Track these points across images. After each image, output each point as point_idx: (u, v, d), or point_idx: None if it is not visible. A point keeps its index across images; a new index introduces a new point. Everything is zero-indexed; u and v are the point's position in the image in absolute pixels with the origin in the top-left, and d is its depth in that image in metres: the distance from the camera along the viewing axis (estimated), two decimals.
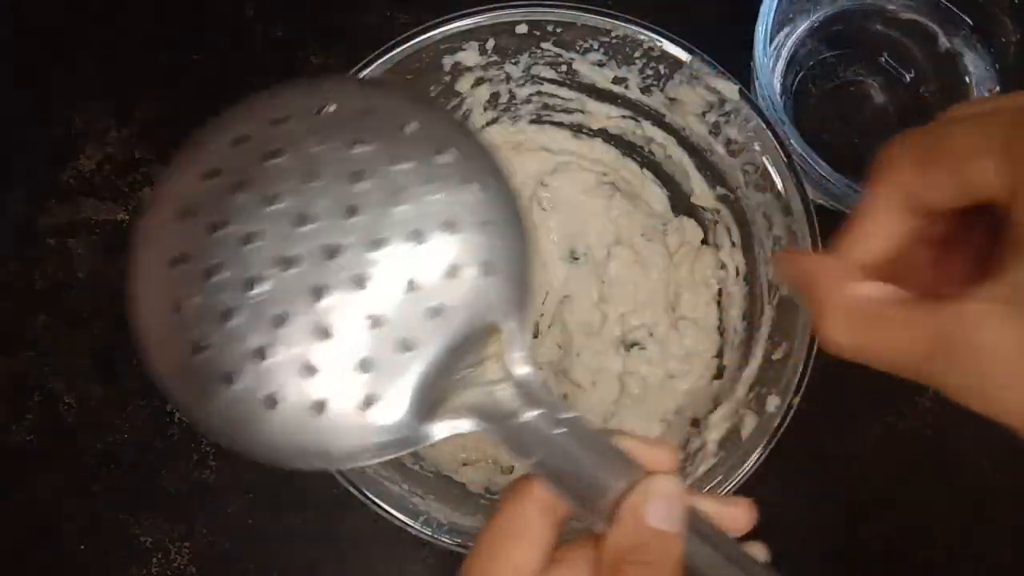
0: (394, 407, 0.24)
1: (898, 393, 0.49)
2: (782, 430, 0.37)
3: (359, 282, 0.23)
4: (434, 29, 0.40)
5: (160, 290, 0.24)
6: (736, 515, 0.25)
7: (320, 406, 0.23)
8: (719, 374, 0.45)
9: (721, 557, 0.24)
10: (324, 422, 0.23)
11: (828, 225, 0.51)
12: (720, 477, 0.37)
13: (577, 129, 0.48)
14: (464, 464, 0.44)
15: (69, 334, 0.49)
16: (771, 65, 0.49)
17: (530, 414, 0.24)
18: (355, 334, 0.23)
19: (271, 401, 0.23)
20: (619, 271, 0.46)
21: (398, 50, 0.39)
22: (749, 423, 0.38)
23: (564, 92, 0.45)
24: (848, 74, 0.52)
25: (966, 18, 0.51)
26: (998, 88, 0.51)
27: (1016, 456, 0.48)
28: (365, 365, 0.23)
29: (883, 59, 0.52)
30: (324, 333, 0.23)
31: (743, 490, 0.37)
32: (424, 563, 0.46)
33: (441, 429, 0.24)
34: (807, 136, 0.51)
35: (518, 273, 0.25)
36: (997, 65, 0.51)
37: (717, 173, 0.44)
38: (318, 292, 0.23)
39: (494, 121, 0.47)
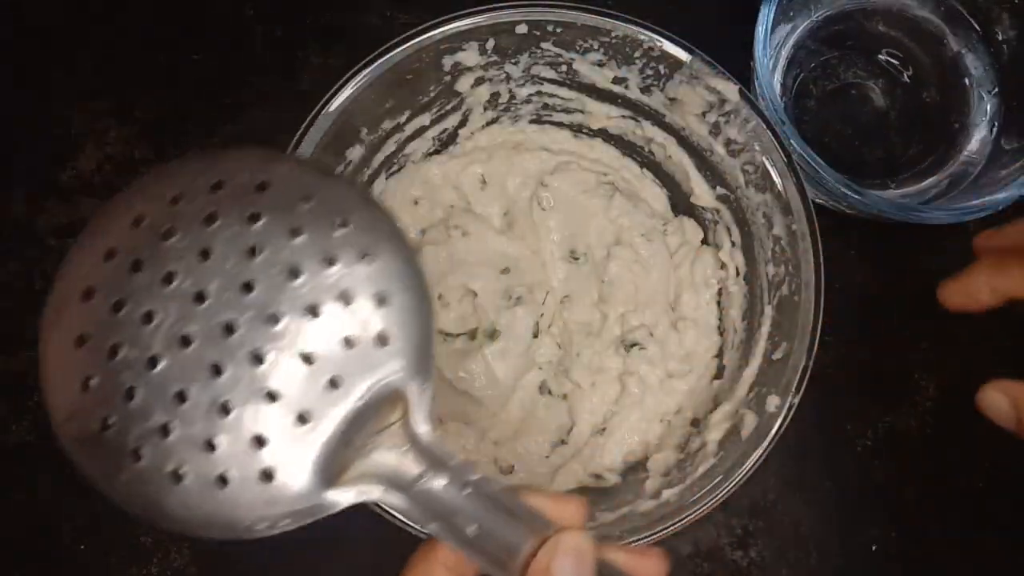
0: (295, 478, 0.24)
1: (898, 393, 0.49)
2: (782, 430, 0.37)
3: (256, 358, 0.24)
4: (434, 29, 0.40)
5: (67, 370, 0.24)
6: (648, 566, 0.25)
7: (223, 480, 0.24)
8: (719, 374, 0.45)
9: None
10: (227, 495, 0.24)
11: (828, 225, 0.52)
12: (720, 477, 0.37)
13: (577, 129, 0.48)
14: None
15: None
16: (771, 65, 0.49)
17: (435, 478, 0.24)
18: (253, 409, 0.24)
19: (176, 476, 0.24)
20: (619, 271, 0.46)
21: (398, 50, 0.39)
22: (749, 423, 0.38)
23: (564, 92, 0.45)
24: (848, 74, 0.52)
25: (968, 18, 0.51)
26: (997, 89, 0.51)
27: (1016, 456, 0.48)
28: (262, 440, 0.24)
29: (883, 59, 0.52)
30: (223, 410, 0.24)
31: (743, 490, 0.37)
32: None
33: (347, 497, 0.24)
34: (807, 136, 0.51)
35: (416, 339, 0.25)
36: (997, 66, 0.51)
37: (717, 173, 0.44)
38: (216, 369, 0.24)
39: (494, 121, 0.47)
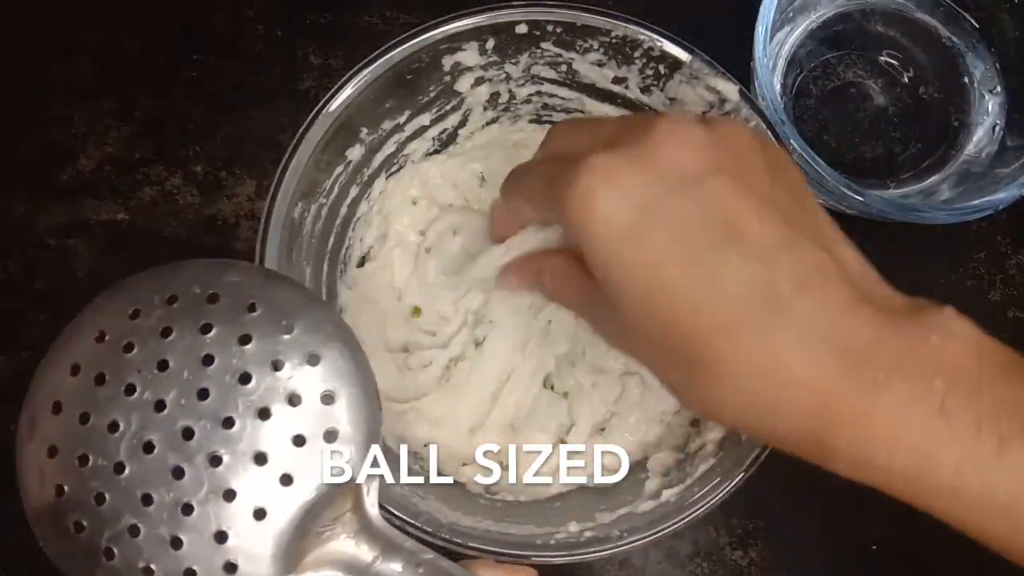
0: (257, 568, 0.26)
1: None
2: None
3: (214, 460, 0.26)
4: (434, 29, 0.40)
5: (41, 478, 0.27)
6: None
7: (190, 573, 0.26)
8: None
9: None
10: None
11: None
12: (719, 477, 0.37)
13: None
14: (464, 464, 0.44)
15: None
16: (771, 65, 0.49)
17: (389, 561, 0.26)
18: (213, 508, 0.26)
19: (147, 571, 0.26)
20: None
21: (398, 50, 0.39)
22: None
23: (564, 92, 0.45)
24: (848, 74, 0.52)
25: (968, 18, 0.51)
26: (999, 88, 0.51)
27: None
28: (223, 536, 0.26)
29: (883, 59, 0.52)
30: (186, 509, 0.26)
31: (742, 491, 0.37)
32: None
33: None
34: (807, 136, 0.51)
35: (364, 432, 0.27)
36: (999, 65, 0.51)
37: None
38: (178, 472, 0.26)
39: (494, 121, 0.47)
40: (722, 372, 0.27)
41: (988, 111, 0.51)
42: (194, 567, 0.26)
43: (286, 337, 0.27)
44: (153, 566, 0.26)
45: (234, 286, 0.28)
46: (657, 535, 0.36)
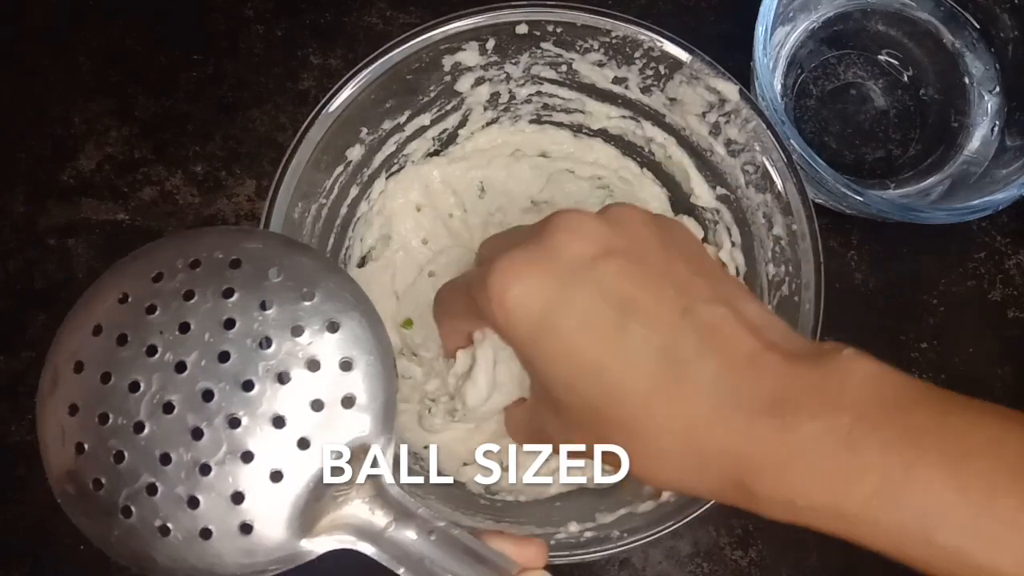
0: (272, 530, 0.26)
1: None
2: None
3: (233, 422, 0.26)
4: (434, 29, 0.40)
5: (62, 436, 0.27)
6: None
7: (206, 533, 0.26)
8: None
9: None
10: (210, 547, 0.26)
11: (828, 225, 0.52)
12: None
13: (577, 129, 0.48)
14: (464, 464, 0.44)
15: None
16: (771, 65, 0.49)
17: (402, 527, 0.27)
18: (231, 469, 0.26)
19: (163, 530, 0.26)
20: None
21: (398, 50, 0.39)
22: None
23: (564, 92, 0.45)
24: (848, 75, 0.52)
25: (968, 18, 0.51)
26: (998, 88, 0.51)
27: None
28: (240, 496, 0.26)
29: (883, 59, 0.52)
30: (204, 469, 0.26)
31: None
32: None
33: (321, 545, 0.27)
34: (807, 136, 0.51)
35: (381, 400, 0.27)
36: (998, 65, 0.51)
37: (717, 173, 0.44)
38: (197, 433, 0.26)
39: (494, 121, 0.47)
40: (646, 440, 0.28)
41: (987, 111, 0.51)
42: (210, 526, 0.26)
43: (306, 304, 0.27)
44: (170, 524, 0.26)
45: (256, 252, 0.28)
46: (657, 535, 0.36)
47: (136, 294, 0.27)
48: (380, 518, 0.27)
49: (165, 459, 0.26)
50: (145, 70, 0.52)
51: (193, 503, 0.26)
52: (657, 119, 0.45)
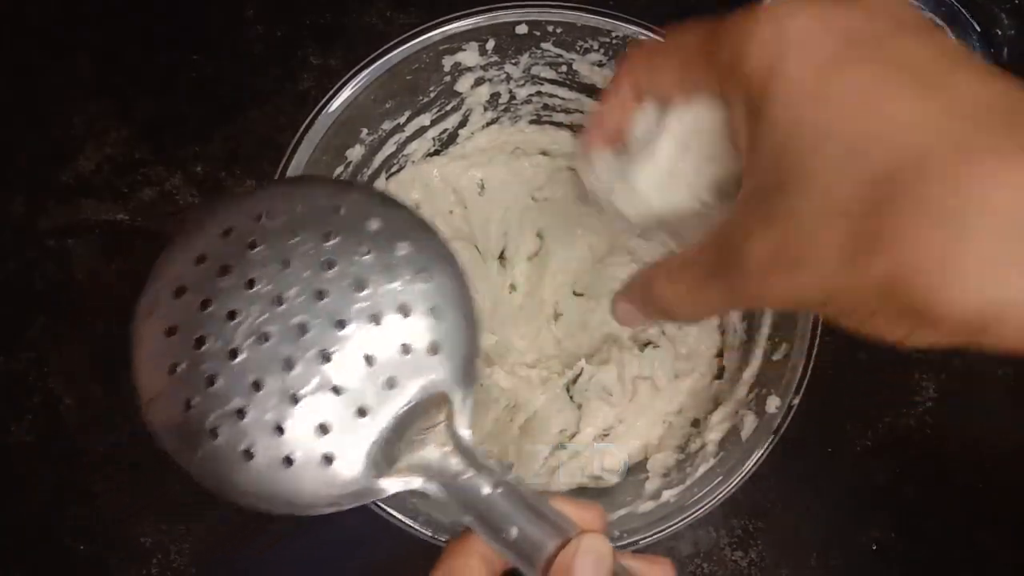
0: (352, 464, 0.27)
1: (898, 393, 0.49)
2: (782, 430, 0.37)
3: (324, 356, 0.27)
4: (434, 29, 0.40)
5: (157, 356, 0.28)
6: (657, 573, 0.28)
7: (288, 461, 0.27)
8: (719, 374, 0.45)
9: None
10: (291, 475, 0.27)
11: None
12: (720, 477, 0.37)
13: (577, 129, 0.48)
14: None
15: (69, 334, 0.49)
16: None
17: (472, 476, 0.27)
18: (319, 401, 0.27)
19: (248, 454, 0.27)
20: (617, 273, 0.46)
21: (398, 50, 0.39)
22: (749, 423, 0.38)
23: (564, 92, 0.45)
24: None
25: (969, 18, 0.51)
26: None
27: (1016, 455, 0.48)
28: (326, 428, 0.27)
29: None
30: (292, 399, 0.27)
31: (743, 490, 0.37)
32: (424, 563, 0.46)
33: (393, 484, 0.27)
34: None
35: (463, 352, 0.28)
36: (997, 65, 0.51)
37: None
38: (289, 363, 0.27)
39: (494, 121, 0.47)
40: (970, 224, 0.19)
41: None
42: (293, 455, 0.27)
43: (401, 253, 0.28)
44: (255, 449, 0.27)
45: (356, 202, 0.29)
46: (657, 535, 0.36)
47: (239, 229, 0.28)
48: (453, 465, 0.27)
49: (256, 386, 0.27)
50: (145, 70, 0.52)
51: (279, 430, 0.27)
52: None
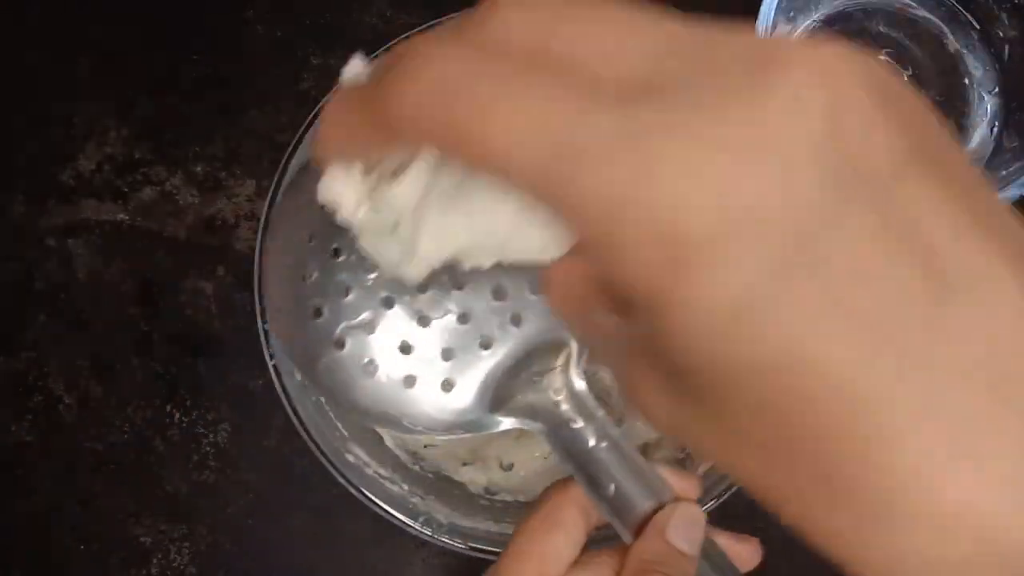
0: (469, 392, 0.28)
1: None
2: None
3: (456, 284, 0.27)
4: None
5: (292, 262, 0.28)
6: (746, 552, 0.28)
7: (410, 380, 0.27)
8: None
9: None
10: (410, 395, 0.27)
11: None
12: (720, 477, 0.37)
13: None
14: (464, 464, 0.44)
15: (69, 334, 0.49)
16: None
17: (581, 425, 0.27)
18: (446, 326, 0.27)
19: (371, 369, 0.27)
20: None
21: None
22: None
23: None
24: None
25: (969, 18, 0.51)
26: (997, 88, 0.51)
27: None
28: (449, 354, 0.28)
29: (883, 59, 0.52)
30: (422, 320, 0.27)
31: (742, 491, 0.37)
32: (424, 563, 0.46)
33: (505, 421, 0.28)
34: None
35: None
36: (997, 65, 0.51)
37: None
38: (422, 287, 0.27)
39: None
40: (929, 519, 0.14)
41: (987, 112, 0.51)
42: (415, 374, 0.27)
43: None
44: (378, 364, 0.27)
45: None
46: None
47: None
48: (564, 411, 0.27)
49: (388, 303, 0.27)
50: (145, 70, 0.52)
51: (406, 349, 0.27)
52: None
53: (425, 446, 0.43)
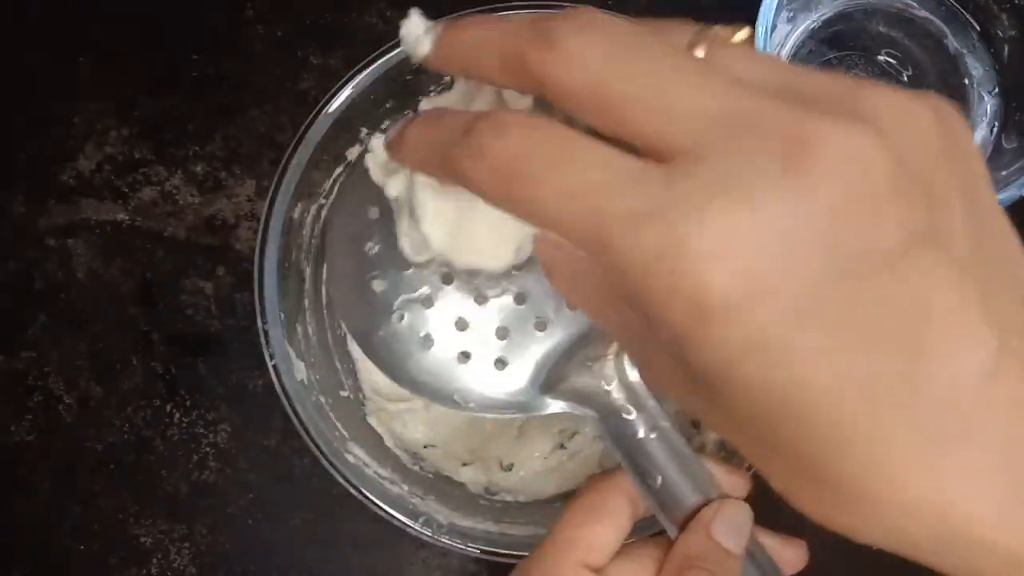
0: (522, 372, 0.28)
1: None
2: None
3: (516, 266, 0.26)
4: None
5: (353, 233, 0.28)
6: (791, 554, 0.28)
7: (465, 356, 0.28)
8: None
9: None
10: (464, 371, 0.28)
11: None
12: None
13: None
14: (464, 465, 0.44)
15: (69, 334, 0.49)
16: None
17: (632, 414, 0.27)
18: (503, 305, 0.28)
19: (428, 342, 0.28)
20: None
21: (398, 50, 0.39)
22: None
23: None
24: (849, 75, 0.52)
25: (969, 18, 0.51)
26: (997, 89, 0.51)
27: None
28: (505, 333, 0.28)
29: (883, 59, 0.52)
30: (481, 298, 0.28)
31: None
32: (424, 564, 0.46)
33: (554, 405, 0.28)
34: None
35: None
36: (997, 66, 0.51)
37: None
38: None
39: None
40: (886, 506, 0.19)
41: (987, 112, 0.51)
42: (470, 351, 0.28)
43: None
44: (434, 337, 0.28)
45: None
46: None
47: None
48: (615, 399, 0.27)
49: (447, 279, 0.27)
50: (145, 70, 0.52)
51: (462, 325, 0.28)
52: None
53: (425, 446, 0.43)
